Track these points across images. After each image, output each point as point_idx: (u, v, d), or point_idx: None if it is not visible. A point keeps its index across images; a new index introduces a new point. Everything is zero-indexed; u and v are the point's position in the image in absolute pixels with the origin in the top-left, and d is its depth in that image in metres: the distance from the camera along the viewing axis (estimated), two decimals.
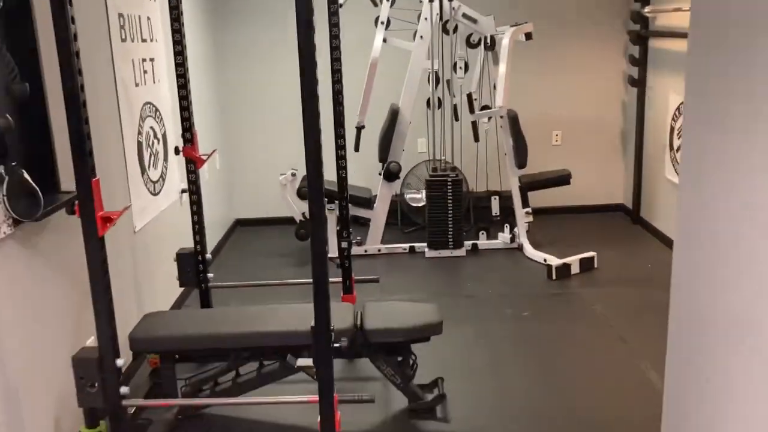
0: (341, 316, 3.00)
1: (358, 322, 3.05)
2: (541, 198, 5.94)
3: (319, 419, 2.42)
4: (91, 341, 2.78)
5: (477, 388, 3.35)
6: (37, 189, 2.36)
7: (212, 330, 3.00)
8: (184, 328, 3.02)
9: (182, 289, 4.14)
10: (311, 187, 2.15)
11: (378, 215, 5.36)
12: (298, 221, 5.32)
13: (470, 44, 5.36)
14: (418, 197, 5.76)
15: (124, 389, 2.48)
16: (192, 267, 3.58)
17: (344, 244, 3.69)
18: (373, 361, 3.12)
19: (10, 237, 2.42)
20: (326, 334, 2.33)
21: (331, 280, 2.34)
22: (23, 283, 2.53)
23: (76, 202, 2.28)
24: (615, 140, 6.22)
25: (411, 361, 3.15)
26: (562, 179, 5.39)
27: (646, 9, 5.34)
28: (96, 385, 2.43)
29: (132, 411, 3.03)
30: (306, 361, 2.50)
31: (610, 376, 3.43)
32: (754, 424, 1.81)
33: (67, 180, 2.73)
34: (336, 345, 2.39)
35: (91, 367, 2.41)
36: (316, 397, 2.42)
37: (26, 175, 2.34)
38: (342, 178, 3.75)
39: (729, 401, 1.92)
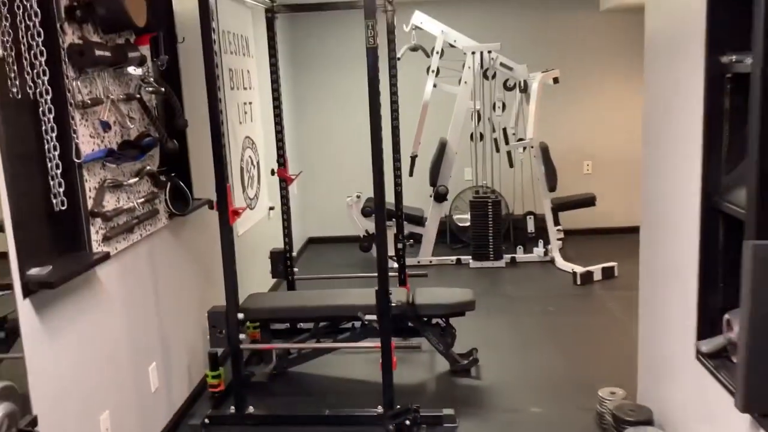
0: (398, 295, 3.91)
1: (411, 300, 3.97)
2: (575, 220, 6.77)
3: (380, 361, 3.34)
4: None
5: (505, 358, 4.21)
6: (188, 192, 3.40)
7: (300, 303, 3.98)
8: (280, 301, 4.01)
9: (274, 281, 5.15)
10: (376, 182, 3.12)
11: (429, 231, 6.30)
12: (362, 236, 6.29)
13: (507, 87, 6.28)
14: (464, 218, 6.66)
15: (241, 336, 3.45)
16: (282, 262, 4.58)
17: (399, 246, 4.63)
18: (422, 332, 4.03)
19: (166, 227, 3.47)
20: (386, 294, 3.27)
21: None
22: (171, 261, 3.57)
23: (214, 200, 3.30)
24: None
25: (451, 333, 4.05)
26: (587, 201, 6.24)
27: None
28: (223, 332, 3.42)
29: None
30: (371, 317, 3.46)
31: (613, 354, 4.23)
32: (682, 335, 2.71)
33: (198, 190, 3.79)
34: (392, 303, 3.33)
35: (220, 318, 3.40)
36: (378, 343, 3.35)
37: (181, 183, 3.38)
38: (398, 194, 4.72)
39: (667, 314, 2.82)
